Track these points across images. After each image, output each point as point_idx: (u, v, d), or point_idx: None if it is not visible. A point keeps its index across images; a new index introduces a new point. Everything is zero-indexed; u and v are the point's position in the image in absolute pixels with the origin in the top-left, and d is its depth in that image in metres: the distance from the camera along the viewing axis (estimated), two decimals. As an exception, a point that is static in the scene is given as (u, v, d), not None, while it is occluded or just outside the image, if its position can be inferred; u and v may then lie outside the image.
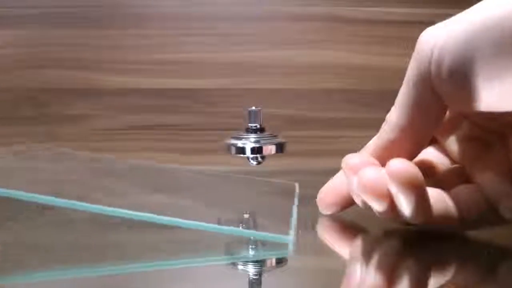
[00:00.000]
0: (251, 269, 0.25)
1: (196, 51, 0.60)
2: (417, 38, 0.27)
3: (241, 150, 0.30)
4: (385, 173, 0.25)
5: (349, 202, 0.31)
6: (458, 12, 0.29)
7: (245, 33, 0.60)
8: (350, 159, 0.28)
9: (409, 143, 0.28)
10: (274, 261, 0.26)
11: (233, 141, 0.31)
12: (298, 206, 0.35)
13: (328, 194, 0.32)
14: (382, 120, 0.29)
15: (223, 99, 0.59)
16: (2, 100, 0.59)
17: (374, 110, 0.59)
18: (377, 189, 0.25)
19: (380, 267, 0.25)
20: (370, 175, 0.25)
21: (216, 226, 0.27)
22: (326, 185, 0.33)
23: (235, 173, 0.50)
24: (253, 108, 0.32)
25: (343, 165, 0.28)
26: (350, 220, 0.33)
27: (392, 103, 0.29)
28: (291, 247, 0.27)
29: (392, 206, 0.25)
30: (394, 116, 0.28)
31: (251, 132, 0.31)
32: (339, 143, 0.60)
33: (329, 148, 0.60)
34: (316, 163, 0.59)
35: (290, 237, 0.27)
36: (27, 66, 0.59)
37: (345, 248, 0.30)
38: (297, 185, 0.43)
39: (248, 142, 0.30)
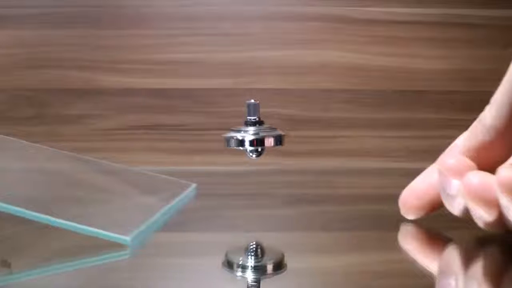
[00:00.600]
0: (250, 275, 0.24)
1: (196, 51, 0.60)
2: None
3: (240, 143, 0.30)
4: (494, 181, 0.23)
5: (435, 206, 0.29)
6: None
7: (245, 33, 0.60)
8: (450, 160, 0.26)
9: (503, 145, 0.26)
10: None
11: (232, 134, 0.30)
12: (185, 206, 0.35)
13: (411, 197, 0.30)
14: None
15: (223, 99, 0.59)
16: (1, 100, 0.59)
17: (374, 110, 0.59)
18: (487, 197, 0.23)
19: (479, 282, 0.22)
20: (479, 181, 0.24)
21: (55, 220, 0.27)
22: (408, 187, 0.31)
23: (235, 173, 0.50)
24: (252, 101, 0.31)
25: (439, 166, 0.27)
26: (435, 226, 0.30)
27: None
28: (131, 247, 0.26)
29: (500, 215, 0.24)
30: (490, 117, 0.26)
31: (250, 125, 0.31)
32: (338, 143, 0.60)
33: (329, 148, 0.60)
34: (316, 163, 0.59)
35: (128, 238, 0.27)
36: (27, 66, 0.59)
37: (432, 260, 0.27)
38: (194, 185, 0.42)
39: (247, 135, 0.30)
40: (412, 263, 0.27)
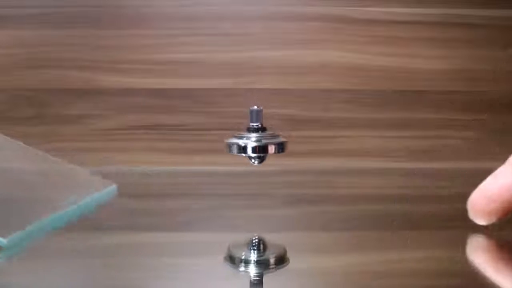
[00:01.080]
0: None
1: (196, 51, 0.60)
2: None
3: (243, 149, 0.30)
4: None
5: (509, 211, 0.27)
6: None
7: (245, 33, 0.60)
8: None
9: None
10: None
11: (234, 140, 0.31)
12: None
13: (481, 198, 0.27)
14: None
15: (223, 99, 0.59)
16: (1, 100, 0.59)
17: (374, 110, 0.59)
18: None
19: None
20: None
21: None
22: (478, 188, 0.28)
23: (235, 173, 0.50)
24: (255, 107, 0.32)
25: None
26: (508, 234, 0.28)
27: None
28: (7, 250, 0.26)
29: None
30: None
31: (253, 132, 0.31)
32: (338, 143, 0.60)
33: (329, 148, 0.60)
34: (316, 163, 0.59)
35: (5, 240, 0.26)
36: (27, 66, 0.59)
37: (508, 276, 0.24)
38: (114, 186, 0.41)
39: (250, 141, 0.30)
40: (484, 278, 0.24)
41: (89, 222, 0.32)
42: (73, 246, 0.28)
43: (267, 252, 0.27)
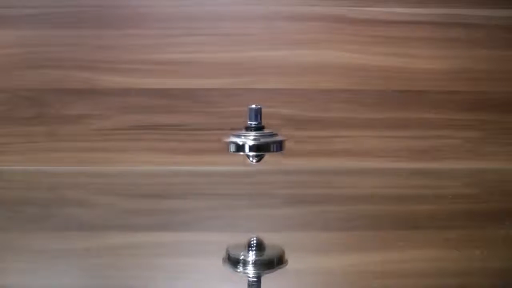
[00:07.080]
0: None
1: (196, 51, 0.60)
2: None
3: (241, 148, 0.30)
4: None
5: None
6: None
7: (245, 33, 0.60)
8: None
9: None
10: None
11: (233, 139, 0.31)
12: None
13: None
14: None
15: (223, 99, 0.59)
16: (2, 100, 0.59)
17: (374, 110, 0.59)
18: None
19: None
20: None
21: None
22: None
23: (235, 173, 0.50)
24: (253, 106, 0.31)
25: None
26: None
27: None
28: None
29: None
30: None
31: (251, 130, 0.31)
32: (339, 143, 0.60)
33: (329, 148, 0.60)
34: (316, 163, 0.59)
35: None
36: (27, 66, 0.59)
37: None
38: None
39: (248, 140, 0.30)
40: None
41: (89, 222, 0.32)
42: (73, 246, 0.28)
43: (265, 253, 0.27)
